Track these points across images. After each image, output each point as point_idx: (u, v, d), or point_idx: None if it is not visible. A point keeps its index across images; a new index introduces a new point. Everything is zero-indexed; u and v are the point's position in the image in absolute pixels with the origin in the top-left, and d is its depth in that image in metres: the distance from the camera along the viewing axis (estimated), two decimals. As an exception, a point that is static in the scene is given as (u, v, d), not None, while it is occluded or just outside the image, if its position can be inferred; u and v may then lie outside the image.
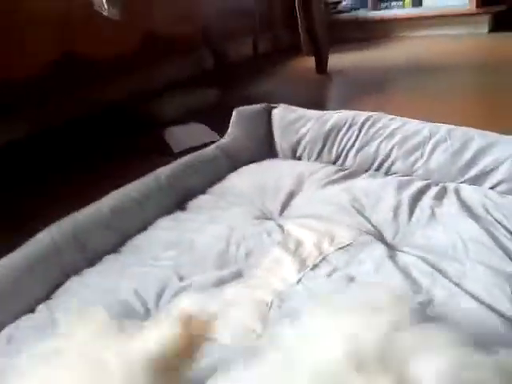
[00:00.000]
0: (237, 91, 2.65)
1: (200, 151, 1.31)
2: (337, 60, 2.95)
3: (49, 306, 0.83)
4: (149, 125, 2.01)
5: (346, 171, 1.19)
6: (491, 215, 0.86)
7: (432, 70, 2.65)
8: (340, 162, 1.26)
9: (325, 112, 1.35)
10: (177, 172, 1.21)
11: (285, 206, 1.07)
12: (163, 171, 1.20)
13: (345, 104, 1.33)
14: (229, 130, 1.39)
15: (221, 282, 0.80)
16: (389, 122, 1.22)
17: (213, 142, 1.41)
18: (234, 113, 1.40)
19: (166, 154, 1.75)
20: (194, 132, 1.86)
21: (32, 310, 0.83)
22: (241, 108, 1.41)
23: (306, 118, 1.35)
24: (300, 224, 0.94)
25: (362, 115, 1.28)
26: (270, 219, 1.02)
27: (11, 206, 1.53)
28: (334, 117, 1.30)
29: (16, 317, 0.81)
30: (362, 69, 2.93)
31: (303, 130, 1.33)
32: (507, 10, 3.32)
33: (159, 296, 0.80)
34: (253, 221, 1.00)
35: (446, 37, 3.55)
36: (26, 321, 0.80)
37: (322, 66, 2.77)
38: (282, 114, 1.40)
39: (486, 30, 3.40)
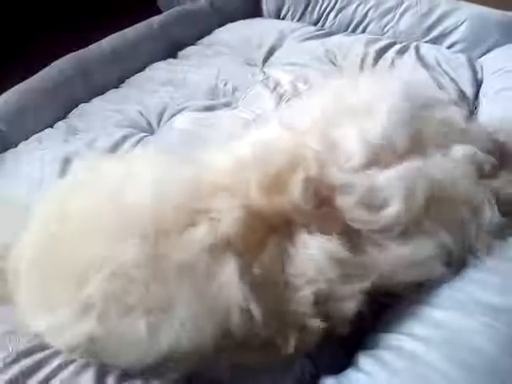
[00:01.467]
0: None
1: (189, 5, 1.39)
2: None
3: (66, 122, 0.99)
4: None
5: (324, 31, 1.31)
6: (441, 67, 1.03)
7: None
8: (320, 23, 1.37)
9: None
10: (169, 21, 1.30)
11: (267, 56, 1.20)
12: (156, 19, 1.29)
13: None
14: (217, -17, 1.45)
15: (212, 108, 0.97)
16: (367, -14, 1.31)
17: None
18: (224, -32, 1.44)
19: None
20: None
21: (51, 126, 0.99)
22: (231, -36, 1.45)
23: (292, -22, 1.41)
24: (280, 69, 1.09)
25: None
26: (253, 65, 1.16)
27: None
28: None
29: (39, 130, 0.97)
30: None
31: (288, -9, 1.41)
32: None
33: (160, 115, 0.97)
34: (238, 65, 1.14)
35: None
36: (47, 132, 0.96)
37: None
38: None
39: None
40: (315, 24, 1.37)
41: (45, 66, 1.07)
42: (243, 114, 0.93)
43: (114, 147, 0.85)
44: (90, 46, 1.15)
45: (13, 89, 1.00)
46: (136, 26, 1.25)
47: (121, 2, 1.94)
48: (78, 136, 0.91)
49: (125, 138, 0.87)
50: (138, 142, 0.87)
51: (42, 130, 0.97)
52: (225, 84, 1.04)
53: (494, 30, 1.09)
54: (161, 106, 0.98)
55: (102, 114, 0.97)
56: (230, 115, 0.93)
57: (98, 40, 1.17)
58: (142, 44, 1.23)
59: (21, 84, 1.02)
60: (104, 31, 1.21)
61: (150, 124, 0.96)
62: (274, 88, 1.01)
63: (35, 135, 0.95)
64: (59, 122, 0.99)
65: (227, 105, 0.98)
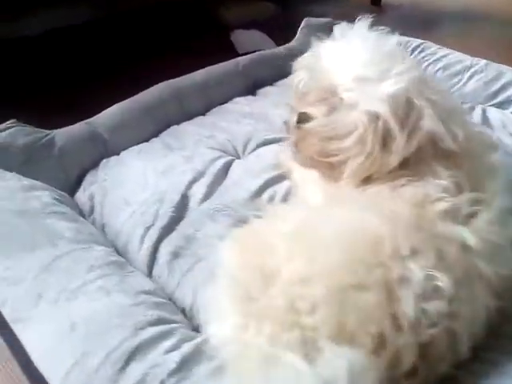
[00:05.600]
0: (293, 9, 2.77)
1: (272, 50, 1.53)
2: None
3: (161, 139, 1.11)
4: (215, 26, 2.19)
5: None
6: (506, 128, 1.10)
7: (478, 16, 2.72)
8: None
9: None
10: (252, 63, 1.44)
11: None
12: (241, 60, 1.43)
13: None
14: (297, 35, 1.60)
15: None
16: (437, 50, 1.43)
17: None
18: (303, 21, 1.60)
19: (230, 54, 1.97)
20: (256, 38, 2.05)
21: (147, 141, 1.12)
22: (310, 18, 1.60)
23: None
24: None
25: (415, 41, 1.48)
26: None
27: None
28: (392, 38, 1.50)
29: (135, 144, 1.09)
30: (416, 6, 3.00)
31: (361, 47, 1.54)
32: None
33: (246, 144, 1.07)
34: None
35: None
36: (145, 145, 1.08)
37: (377, -4, 2.86)
38: (342, 29, 1.59)
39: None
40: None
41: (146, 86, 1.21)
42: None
43: (208, 164, 0.95)
44: (184, 76, 1.30)
45: (118, 104, 1.14)
46: (224, 63, 1.39)
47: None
48: (175, 152, 1.02)
49: (217, 158, 0.98)
50: (229, 163, 0.97)
51: (139, 143, 1.10)
52: (304, 122, 1.15)
53: None
54: (246, 135, 1.09)
55: (193, 137, 1.08)
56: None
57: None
58: (227, 80, 1.36)
59: (125, 101, 1.16)
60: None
61: (235, 149, 1.06)
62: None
63: (134, 147, 1.07)
64: (154, 139, 1.12)
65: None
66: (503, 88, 1.25)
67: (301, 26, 1.59)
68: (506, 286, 0.56)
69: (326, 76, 0.66)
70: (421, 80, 0.62)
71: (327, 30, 1.59)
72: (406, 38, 1.48)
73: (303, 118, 0.68)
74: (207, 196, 0.87)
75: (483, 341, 0.53)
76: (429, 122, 0.59)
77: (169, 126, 1.17)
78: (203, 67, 1.36)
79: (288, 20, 2.51)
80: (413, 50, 1.45)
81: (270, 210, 0.69)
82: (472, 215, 0.58)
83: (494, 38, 2.47)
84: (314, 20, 1.60)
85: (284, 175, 0.93)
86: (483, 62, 1.32)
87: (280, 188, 0.89)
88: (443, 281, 0.50)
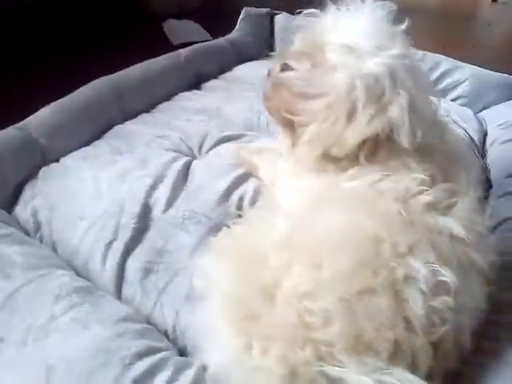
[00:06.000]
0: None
1: (212, 41, 1.47)
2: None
3: (106, 141, 1.01)
4: (145, 16, 2.07)
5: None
6: (450, 116, 1.15)
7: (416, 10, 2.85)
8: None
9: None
10: (194, 54, 1.36)
11: (289, 95, 1.29)
12: (183, 52, 1.35)
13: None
14: (237, 26, 1.55)
15: (252, 139, 1.02)
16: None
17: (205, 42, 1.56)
18: (242, 11, 1.55)
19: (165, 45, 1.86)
20: (189, 29, 1.96)
21: (88, 144, 1.01)
22: (248, 8, 1.56)
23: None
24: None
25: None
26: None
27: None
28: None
29: (76, 149, 0.98)
30: None
31: (302, 37, 1.52)
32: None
33: (201, 143, 1.01)
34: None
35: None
36: (89, 149, 0.98)
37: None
38: (283, 20, 1.57)
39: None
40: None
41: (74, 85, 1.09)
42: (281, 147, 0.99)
43: (166, 167, 0.88)
44: (123, 71, 1.19)
45: (52, 104, 1.01)
46: (165, 56, 1.30)
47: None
48: (126, 156, 0.93)
49: (174, 160, 0.91)
50: (188, 164, 0.91)
51: (80, 147, 0.99)
52: (258, 117, 1.11)
53: (492, 88, 1.24)
54: (200, 133, 1.03)
55: (142, 138, 1.00)
56: (270, 145, 0.98)
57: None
58: (170, 73, 1.28)
59: (60, 100, 1.03)
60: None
61: (191, 149, 0.99)
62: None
63: (76, 152, 0.96)
64: (97, 142, 1.01)
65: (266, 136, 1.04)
66: (442, 77, 1.30)
67: (240, 17, 1.54)
68: (494, 273, 0.57)
69: (319, 34, 0.63)
70: (407, 69, 0.60)
71: (267, 20, 1.59)
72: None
73: (284, 68, 0.65)
74: (171, 202, 0.80)
75: (483, 330, 0.53)
76: (396, 111, 0.57)
77: (111, 127, 1.07)
78: (138, 59, 1.26)
79: (215, 9, 2.45)
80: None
81: (248, 215, 0.65)
82: (451, 206, 0.58)
83: (430, 31, 2.60)
84: (253, 10, 1.56)
85: (249, 173, 0.89)
86: (420, 52, 1.37)
87: (248, 187, 0.84)
88: (446, 275, 0.49)
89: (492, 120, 1.16)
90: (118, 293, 0.67)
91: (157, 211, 0.78)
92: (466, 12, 2.94)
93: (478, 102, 1.25)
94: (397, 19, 0.62)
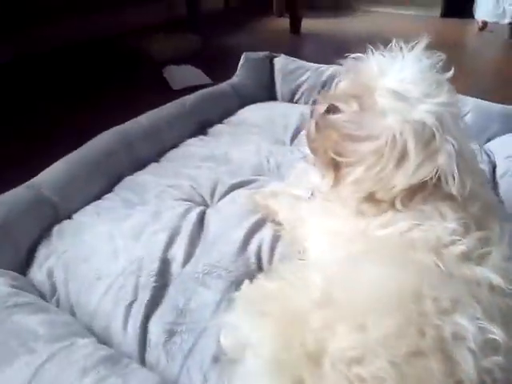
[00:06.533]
0: (216, 40, 2.77)
1: (215, 87, 1.49)
2: (308, 24, 3.16)
3: (117, 194, 1.00)
4: (142, 62, 2.11)
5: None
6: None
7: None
8: (332, 108, 1.50)
9: (321, 65, 1.57)
10: (198, 101, 1.38)
11: (294, 137, 1.30)
12: (187, 99, 1.37)
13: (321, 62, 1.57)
14: (237, 71, 1.58)
15: (262, 185, 1.02)
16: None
17: (205, 85, 1.58)
18: (242, 56, 1.58)
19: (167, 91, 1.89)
20: (189, 73, 2.00)
21: (99, 198, 1.00)
22: (248, 53, 1.59)
23: (305, 68, 1.57)
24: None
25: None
26: (285, 145, 1.25)
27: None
28: (329, 69, 1.53)
29: (88, 203, 0.98)
30: (332, 34, 3.16)
31: (302, 79, 1.55)
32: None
33: (213, 191, 1.00)
34: (271, 144, 1.22)
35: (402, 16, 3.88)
36: (101, 204, 0.97)
37: (296, 25, 2.96)
38: (282, 62, 1.60)
39: (437, 14, 3.76)
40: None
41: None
42: (294, 188, 0.99)
43: (180, 219, 0.87)
44: (129, 122, 1.20)
45: (62, 160, 1.01)
46: (169, 104, 1.32)
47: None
48: (138, 208, 0.92)
49: (188, 211, 0.90)
50: (202, 214, 0.90)
51: (91, 201, 0.98)
52: (267, 161, 1.11)
53: (495, 120, 1.25)
54: (211, 181, 1.02)
55: (153, 189, 0.99)
56: (283, 189, 0.98)
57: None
58: (176, 121, 1.29)
59: (69, 155, 1.03)
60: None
61: (203, 197, 0.99)
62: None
63: (88, 207, 0.95)
64: (108, 195, 1.01)
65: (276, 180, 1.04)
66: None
67: (240, 62, 1.57)
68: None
69: (367, 78, 0.64)
70: (454, 117, 0.61)
71: (267, 63, 1.62)
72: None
73: (331, 109, 0.64)
74: (189, 257, 0.78)
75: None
76: (445, 159, 0.58)
77: (121, 178, 1.06)
78: (143, 109, 1.27)
79: (211, 52, 2.52)
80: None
81: (277, 268, 0.63)
82: (485, 255, 0.57)
83: None
84: (252, 54, 1.59)
85: (264, 219, 0.88)
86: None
87: (265, 234, 0.82)
88: (494, 331, 0.47)
89: (499, 152, 1.16)
90: (142, 357, 0.64)
91: (176, 267, 0.76)
92: (454, 40, 3.03)
93: (482, 134, 1.26)
94: (443, 67, 0.64)
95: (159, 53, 2.22)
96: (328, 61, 1.62)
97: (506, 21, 3.17)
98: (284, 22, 3.16)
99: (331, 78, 1.50)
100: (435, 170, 0.59)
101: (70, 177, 0.98)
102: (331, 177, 0.68)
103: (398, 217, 0.62)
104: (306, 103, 1.54)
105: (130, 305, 0.70)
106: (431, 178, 0.60)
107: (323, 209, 0.71)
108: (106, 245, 0.81)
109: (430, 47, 0.65)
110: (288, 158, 1.12)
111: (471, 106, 1.29)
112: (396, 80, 0.62)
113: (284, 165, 1.09)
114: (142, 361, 0.64)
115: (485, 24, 3.28)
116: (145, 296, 0.70)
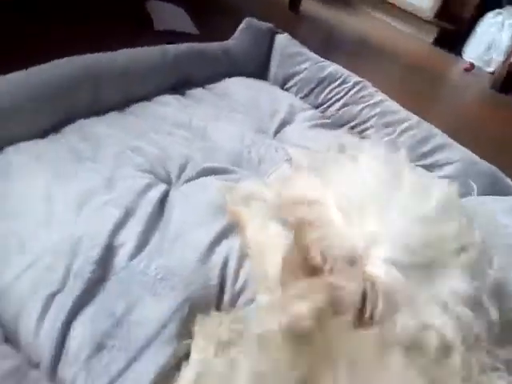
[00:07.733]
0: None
1: (205, 45, 1.31)
2: (309, 5, 3.00)
3: (65, 138, 0.82)
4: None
5: (327, 120, 1.34)
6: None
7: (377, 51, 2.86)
8: (322, 108, 1.39)
9: (322, 59, 1.45)
10: (183, 54, 1.20)
11: (279, 129, 1.18)
12: (171, 48, 1.17)
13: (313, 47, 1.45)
14: (235, 34, 1.40)
15: (239, 178, 0.88)
16: (374, 93, 1.39)
17: (190, 35, 1.39)
18: (244, 21, 1.41)
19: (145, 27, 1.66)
20: (177, 16, 1.77)
21: (42, 136, 0.82)
22: (251, 19, 1.42)
23: (306, 56, 1.44)
24: (299, 150, 1.06)
25: (353, 77, 1.41)
26: (268, 135, 1.12)
27: None
28: (331, 67, 1.41)
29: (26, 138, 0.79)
30: (330, 24, 3.03)
31: (300, 67, 1.42)
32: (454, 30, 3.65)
33: (182, 169, 0.86)
34: (255, 132, 1.09)
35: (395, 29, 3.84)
36: (43, 144, 0.79)
37: (295, 4, 2.79)
38: (284, 42, 1.45)
39: (431, 40, 3.76)
40: (317, 107, 1.40)
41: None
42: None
43: (138, 197, 0.72)
44: (103, 54, 1.00)
45: (7, 76, 0.81)
46: (150, 48, 1.12)
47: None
48: (88, 165, 0.75)
49: (148, 187, 0.75)
50: (164, 195, 0.75)
51: (32, 137, 0.79)
52: (249, 151, 0.98)
53: (478, 176, 1.22)
54: (181, 156, 0.87)
55: (112, 146, 0.82)
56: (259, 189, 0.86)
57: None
58: (153, 70, 1.10)
59: (18, 72, 0.82)
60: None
61: (168, 174, 0.84)
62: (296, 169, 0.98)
63: (26, 144, 0.77)
64: (52, 136, 0.82)
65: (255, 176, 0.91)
66: (432, 151, 1.26)
67: (241, 27, 1.40)
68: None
69: (340, 235, 0.43)
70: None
71: (268, 37, 1.46)
72: (346, 72, 1.41)
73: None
74: (141, 247, 0.64)
75: None
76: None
77: (74, 120, 0.88)
78: (114, 46, 1.06)
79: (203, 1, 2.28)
80: (352, 87, 1.38)
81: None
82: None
83: (386, 71, 2.61)
84: (255, 22, 1.42)
85: (234, 225, 0.75)
86: (415, 118, 1.32)
87: (234, 243, 0.70)
88: None
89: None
90: (54, 369, 0.50)
91: (122, 257, 0.62)
92: (439, 72, 3.03)
93: (462, 187, 1.22)
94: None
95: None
96: (319, 49, 1.52)
97: (490, 69, 3.24)
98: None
99: (330, 77, 1.40)
100: None
101: (13, 99, 0.79)
102: None
103: None
104: (296, 95, 1.42)
105: (54, 294, 0.55)
106: None
107: None
108: (40, 203, 0.64)
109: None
110: (271, 155, 0.99)
111: (459, 156, 1.24)
112: (381, 236, 0.42)
113: (266, 161, 0.97)
114: (53, 375, 0.50)
115: (472, 66, 3.31)
116: (75, 287, 0.56)
